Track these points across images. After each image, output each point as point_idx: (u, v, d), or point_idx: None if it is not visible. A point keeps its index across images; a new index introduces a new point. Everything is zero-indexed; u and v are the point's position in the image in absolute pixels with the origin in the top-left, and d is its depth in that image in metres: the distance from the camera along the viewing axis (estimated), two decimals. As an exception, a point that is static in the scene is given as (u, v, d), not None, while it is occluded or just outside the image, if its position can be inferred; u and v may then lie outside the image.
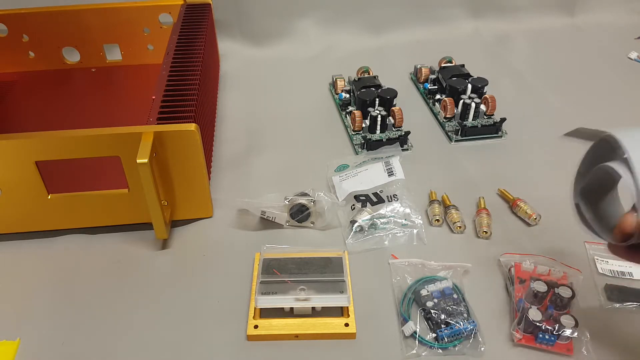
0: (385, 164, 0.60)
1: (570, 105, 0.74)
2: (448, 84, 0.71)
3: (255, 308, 0.46)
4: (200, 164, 0.52)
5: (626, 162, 0.35)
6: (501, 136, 0.68)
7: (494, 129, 0.68)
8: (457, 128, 0.69)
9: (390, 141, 0.65)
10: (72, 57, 0.82)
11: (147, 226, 0.54)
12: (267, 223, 0.56)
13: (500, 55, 0.88)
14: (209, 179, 0.58)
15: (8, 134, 0.48)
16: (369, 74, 0.77)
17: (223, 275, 0.51)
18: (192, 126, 0.49)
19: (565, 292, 0.45)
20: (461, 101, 0.69)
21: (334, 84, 0.77)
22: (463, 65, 0.76)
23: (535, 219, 0.55)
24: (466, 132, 0.67)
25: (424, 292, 0.46)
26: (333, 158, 0.64)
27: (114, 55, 0.83)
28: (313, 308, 0.45)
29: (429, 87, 0.76)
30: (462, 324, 0.43)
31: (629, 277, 0.49)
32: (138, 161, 0.46)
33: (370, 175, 0.59)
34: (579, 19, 0.97)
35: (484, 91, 0.70)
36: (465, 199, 0.58)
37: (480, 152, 0.66)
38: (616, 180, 0.37)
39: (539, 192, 0.58)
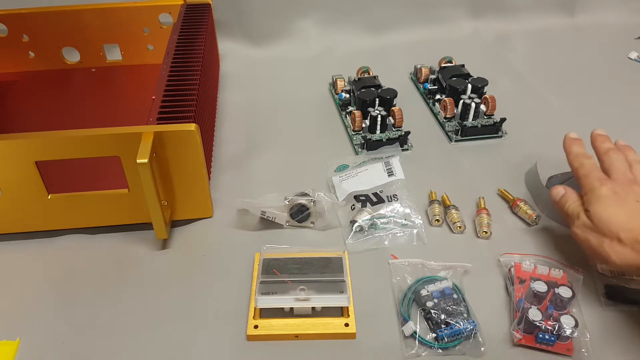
0: (385, 164, 0.60)
1: (570, 105, 0.74)
2: (448, 84, 0.71)
3: (255, 308, 0.46)
4: (200, 164, 0.52)
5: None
6: (501, 136, 0.68)
7: (494, 129, 0.68)
8: (457, 128, 0.69)
9: (390, 141, 0.65)
10: (72, 57, 0.82)
11: (147, 226, 0.54)
12: (267, 223, 0.55)
13: (500, 55, 0.88)
14: (209, 179, 0.58)
15: (8, 134, 0.48)
16: (369, 74, 0.77)
17: (223, 275, 0.51)
18: (192, 126, 0.49)
19: (565, 292, 0.45)
20: (461, 101, 0.69)
21: (334, 84, 0.77)
22: (463, 65, 0.76)
23: (535, 219, 0.55)
24: (466, 132, 0.67)
25: (424, 292, 0.46)
26: (333, 158, 0.64)
27: (114, 55, 0.83)
28: (313, 308, 0.45)
29: (429, 87, 0.76)
30: (462, 324, 0.43)
31: (628, 277, 0.49)
32: (138, 161, 0.46)
33: (370, 175, 0.59)
34: (579, 19, 0.97)
35: (484, 91, 0.70)
36: (465, 199, 0.58)
37: (480, 152, 0.66)
38: None
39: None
